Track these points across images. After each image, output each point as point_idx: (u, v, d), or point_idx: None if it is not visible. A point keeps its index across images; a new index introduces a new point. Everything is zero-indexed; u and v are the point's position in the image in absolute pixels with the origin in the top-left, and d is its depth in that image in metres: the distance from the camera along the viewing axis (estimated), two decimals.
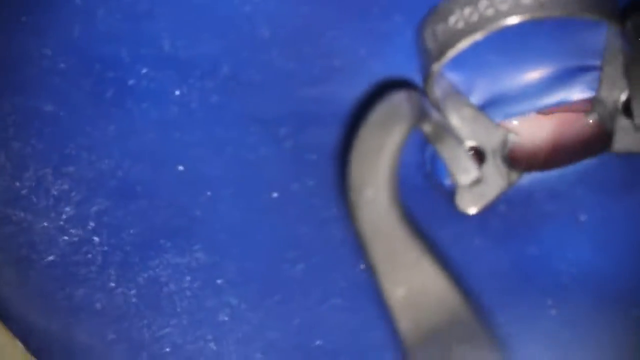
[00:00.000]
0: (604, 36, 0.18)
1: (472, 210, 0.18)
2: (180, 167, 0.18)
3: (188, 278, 0.18)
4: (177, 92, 0.18)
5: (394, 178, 0.16)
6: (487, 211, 0.18)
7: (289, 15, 0.18)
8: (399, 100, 0.17)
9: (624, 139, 0.19)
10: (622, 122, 0.19)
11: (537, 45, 0.19)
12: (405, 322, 0.16)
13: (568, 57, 0.19)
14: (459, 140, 0.18)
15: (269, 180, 0.18)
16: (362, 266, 0.18)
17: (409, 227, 0.16)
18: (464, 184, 0.18)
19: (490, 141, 0.18)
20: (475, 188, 0.18)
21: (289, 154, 0.18)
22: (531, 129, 0.20)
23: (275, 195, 0.18)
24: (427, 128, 0.17)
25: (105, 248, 0.18)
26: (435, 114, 0.18)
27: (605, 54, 0.19)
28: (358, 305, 0.18)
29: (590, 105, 0.19)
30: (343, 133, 0.18)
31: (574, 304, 0.18)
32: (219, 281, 0.18)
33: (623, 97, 0.19)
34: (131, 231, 0.18)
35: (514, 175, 0.18)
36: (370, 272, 0.16)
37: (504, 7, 0.16)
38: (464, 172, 0.18)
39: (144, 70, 0.18)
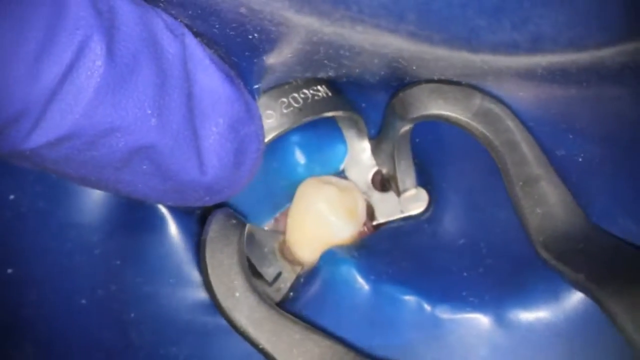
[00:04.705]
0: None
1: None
2: (9, 270, 0.19)
3: None
4: (12, 197, 0.19)
5: (249, 275, 0.18)
6: None
7: None
8: (223, 217, 0.19)
9: (383, 210, 0.21)
10: (377, 196, 0.21)
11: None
12: None
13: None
14: (260, 245, 0.20)
15: (80, 287, 0.19)
16: None
17: (282, 313, 0.18)
18: (269, 279, 0.20)
19: (268, 244, 0.20)
20: (275, 284, 0.20)
21: (98, 261, 0.19)
22: None
23: (83, 301, 0.19)
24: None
25: None
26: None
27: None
28: None
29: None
30: (150, 236, 0.19)
31: None
32: None
33: (371, 174, 0.21)
34: None
35: (297, 268, 0.20)
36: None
37: (269, 120, 0.18)
38: (268, 269, 0.21)
39: None
